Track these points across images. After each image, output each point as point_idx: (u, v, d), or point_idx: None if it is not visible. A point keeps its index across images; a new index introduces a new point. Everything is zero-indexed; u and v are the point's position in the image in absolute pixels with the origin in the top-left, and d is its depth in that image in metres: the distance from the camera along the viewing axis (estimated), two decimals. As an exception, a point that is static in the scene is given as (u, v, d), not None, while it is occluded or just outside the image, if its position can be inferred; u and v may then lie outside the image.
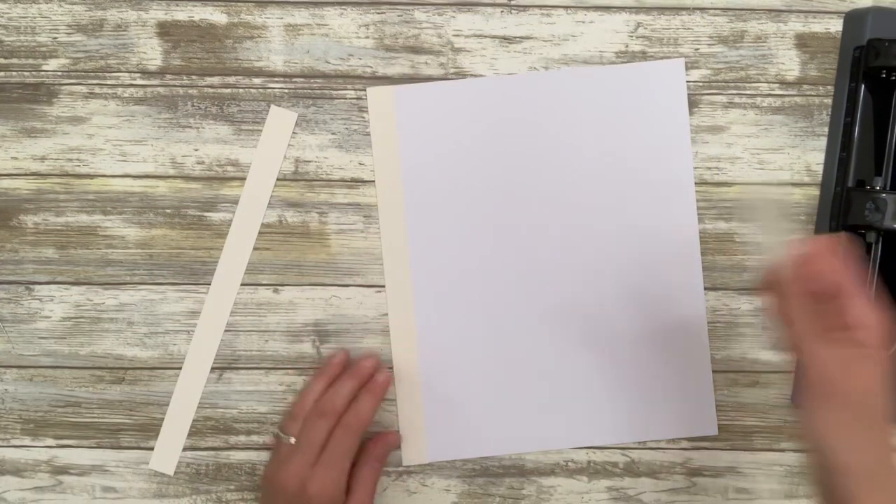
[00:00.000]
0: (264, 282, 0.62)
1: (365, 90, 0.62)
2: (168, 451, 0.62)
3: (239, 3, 0.62)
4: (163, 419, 0.62)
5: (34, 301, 0.62)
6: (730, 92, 0.62)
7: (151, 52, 0.62)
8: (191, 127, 0.62)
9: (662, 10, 0.62)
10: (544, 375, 0.62)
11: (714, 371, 0.63)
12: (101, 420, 0.62)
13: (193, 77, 0.62)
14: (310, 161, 0.62)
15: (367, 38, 0.62)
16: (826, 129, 0.62)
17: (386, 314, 0.62)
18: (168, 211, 0.62)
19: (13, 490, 0.62)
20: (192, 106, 0.62)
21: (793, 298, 0.48)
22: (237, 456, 0.62)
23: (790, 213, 0.59)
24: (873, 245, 0.60)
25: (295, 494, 0.56)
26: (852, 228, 0.60)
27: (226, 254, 0.62)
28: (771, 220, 0.53)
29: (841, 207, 0.61)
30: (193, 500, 0.62)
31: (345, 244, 0.62)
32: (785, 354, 0.61)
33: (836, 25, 0.62)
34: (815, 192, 0.63)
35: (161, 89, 0.62)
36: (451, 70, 0.62)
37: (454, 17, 0.62)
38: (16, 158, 0.62)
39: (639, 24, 0.62)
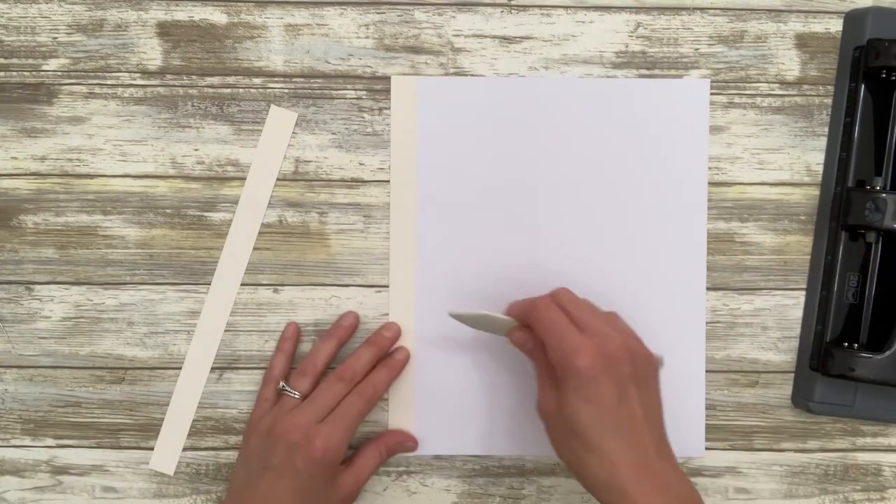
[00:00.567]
0: (264, 282, 0.62)
1: (365, 90, 0.62)
2: (168, 451, 0.62)
3: (239, 3, 0.62)
4: (163, 419, 0.62)
5: (34, 301, 0.62)
6: (730, 92, 0.62)
7: (151, 52, 0.62)
8: (191, 127, 0.62)
9: (662, 10, 0.62)
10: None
11: (714, 371, 0.63)
12: (101, 420, 0.62)
13: (193, 77, 0.62)
14: (310, 161, 0.62)
15: (367, 38, 0.62)
16: (826, 129, 0.63)
17: (386, 314, 0.62)
18: (168, 211, 0.62)
19: (13, 490, 0.62)
20: (192, 106, 0.62)
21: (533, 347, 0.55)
22: (237, 456, 0.62)
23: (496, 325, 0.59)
24: (873, 245, 0.60)
25: (297, 445, 0.55)
26: (852, 228, 0.60)
27: (226, 254, 0.62)
28: (484, 324, 0.58)
29: (841, 207, 0.61)
30: (193, 500, 0.62)
31: (345, 244, 0.62)
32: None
33: (836, 25, 0.62)
34: (815, 192, 0.63)
35: (161, 89, 0.62)
36: (451, 70, 0.62)
37: (454, 17, 0.62)
38: (16, 158, 0.62)
39: (639, 24, 0.62)
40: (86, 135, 0.62)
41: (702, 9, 0.62)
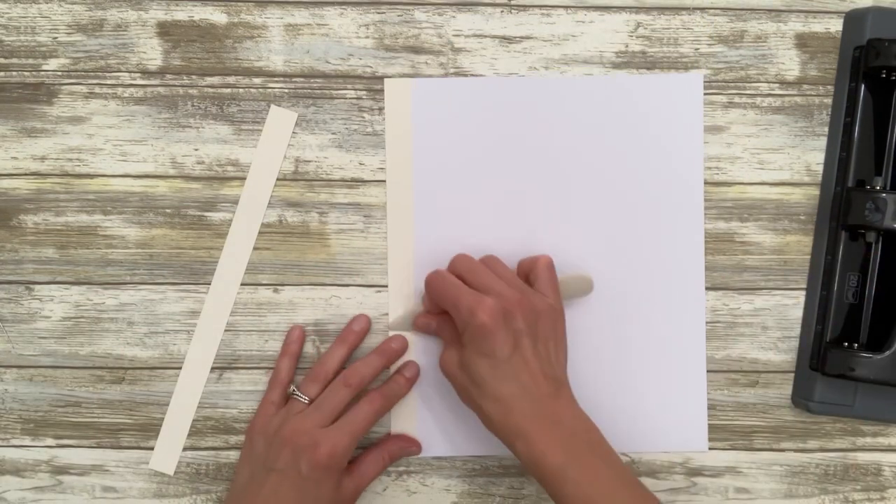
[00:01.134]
0: (264, 282, 0.62)
1: (365, 90, 0.62)
2: (168, 451, 0.62)
3: (239, 3, 0.62)
4: (163, 419, 0.62)
5: (34, 301, 0.62)
6: (730, 92, 0.62)
7: (151, 51, 0.62)
8: (191, 127, 0.62)
9: (662, 10, 0.62)
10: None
11: (714, 371, 0.63)
12: (101, 420, 0.62)
13: (193, 77, 0.62)
14: (310, 161, 0.62)
15: (367, 38, 0.62)
16: (826, 129, 0.63)
17: (386, 314, 0.62)
18: (168, 211, 0.62)
19: (13, 490, 0.62)
20: (192, 106, 0.62)
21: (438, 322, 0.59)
22: (237, 456, 0.62)
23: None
24: (873, 245, 0.60)
25: (303, 449, 0.56)
26: (852, 228, 0.60)
27: (226, 254, 0.62)
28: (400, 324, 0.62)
29: (841, 207, 0.61)
30: (193, 500, 0.62)
31: (345, 244, 0.62)
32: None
33: (836, 25, 0.62)
34: (815, 192, 0.63)
35: (161, 89, 0.62)
36: (451, 70, 0.62)
37: (454, 17, 0.62)
38: (16, 158, 0.62)
39: (639, 24, 0.62)
40: (86, 135, 0.62)
41: (702, 9, 0.62)
